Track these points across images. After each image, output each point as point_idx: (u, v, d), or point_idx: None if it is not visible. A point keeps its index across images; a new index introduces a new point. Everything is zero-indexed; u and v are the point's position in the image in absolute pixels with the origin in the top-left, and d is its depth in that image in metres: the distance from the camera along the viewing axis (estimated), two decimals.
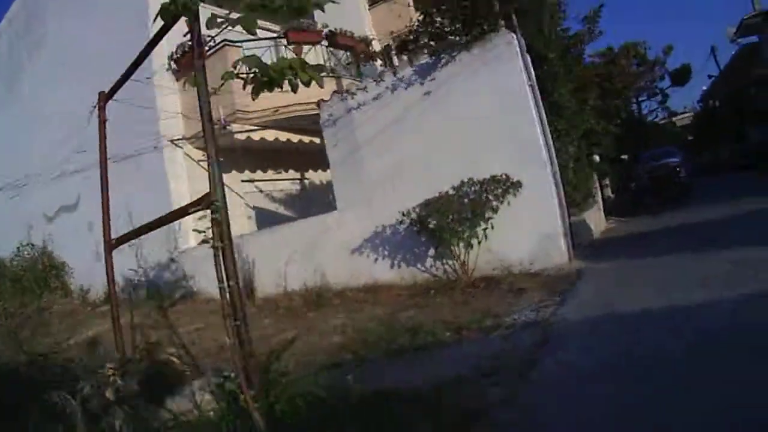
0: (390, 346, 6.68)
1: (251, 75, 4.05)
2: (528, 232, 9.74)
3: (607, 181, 20.89)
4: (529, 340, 5.71)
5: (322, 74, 3.95)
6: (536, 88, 10.01)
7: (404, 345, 6.62)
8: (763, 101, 45.72)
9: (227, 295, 3.93)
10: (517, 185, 9.63)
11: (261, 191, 16.45)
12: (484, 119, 10.00)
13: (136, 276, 12.27)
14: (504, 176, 9.64)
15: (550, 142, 10.12)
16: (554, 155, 10.16)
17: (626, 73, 18.23)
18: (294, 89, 4.10)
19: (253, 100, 4.25)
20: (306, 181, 17.79)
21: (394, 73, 10.77)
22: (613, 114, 17.17)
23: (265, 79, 3.99)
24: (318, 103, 11.75)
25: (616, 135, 19.42)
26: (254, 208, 16.13)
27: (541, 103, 10.11)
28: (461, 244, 9.56)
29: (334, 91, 11.67)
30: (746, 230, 9.64)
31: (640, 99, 57.92)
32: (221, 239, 3.94)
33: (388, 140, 10.88)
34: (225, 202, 4.06)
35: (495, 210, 9.61)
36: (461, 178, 9.82)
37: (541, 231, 9.72)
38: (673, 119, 76.08)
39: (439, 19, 10.86)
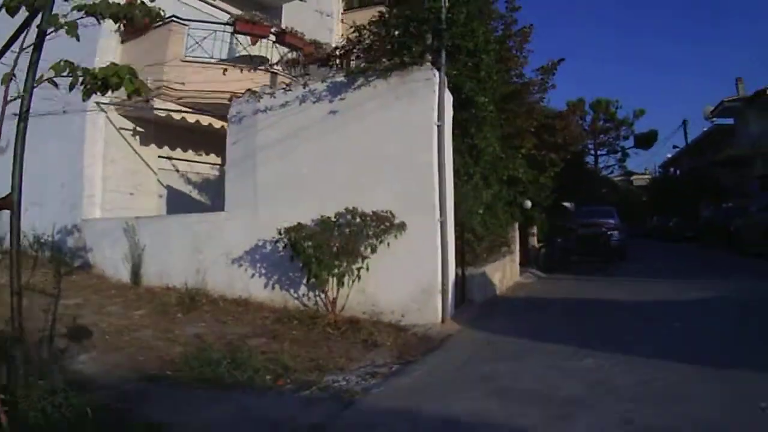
0: (203, 374, 6.27)
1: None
2: (404, 282, 9.22)
3: (534, 230, 20.41)
4: (317, 418, 5.09)
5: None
6: (446, 130, 9.50)
7: (217, 377, 6.20)
8: (726, 180, 46.38)
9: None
10: (401, 227, 9.10)
11: (177, 170, 15.72)
12: (384, 151, 9.51)
13: (43, 236, 11.98)
14: (389, 214, 9.07)
15: (449, 188, 9.62)
16: (449, 204, 9.65)
17: (571, 129, 17.64)
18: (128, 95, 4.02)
19: (84, 101, 4.25)
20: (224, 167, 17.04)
21: (304, 85, 10.16)
22: (547, 166, 16.64)
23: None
24: (230, 98, 11.09)
25: (552, 184, 19.15)
26: (167, 187, 15.40)
27: (448, 146, 9.65)
28: (333, 280, 8.94)
29: (248, 90, 11.00)
30: (670, 331, 8.35)
31: (599, 153, 58.87)
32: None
33: (287, 151, 10.30)
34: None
35: (373, 249, 9.05)
36: (346, 206, 9.22)
37: (418, 283, 9.19)
38: (631, 178, 77.24)
39: (368, 40, 10.28)
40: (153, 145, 14.83)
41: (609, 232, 19.22)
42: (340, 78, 10.04)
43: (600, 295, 12.52)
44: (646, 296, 11.85)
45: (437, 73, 9.43)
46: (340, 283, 8.88)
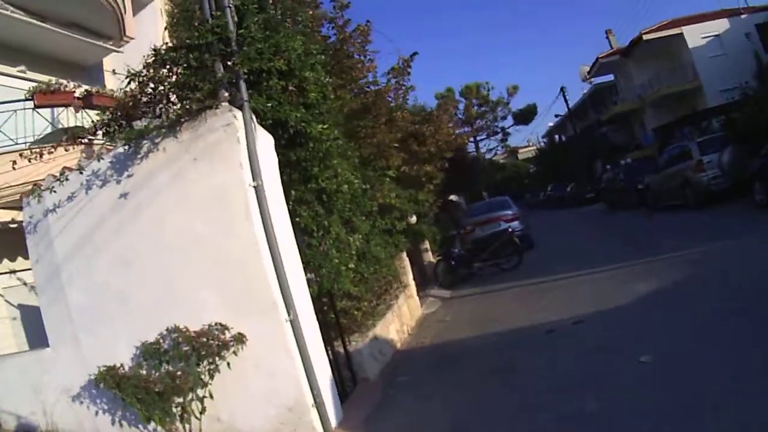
0: None
1: None
2: (264, 403, 6.60)
3: (427, 245, 18.14)
4: None
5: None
6: (269, 188, 6.90)
7: None
8: (615, 138, 45.97)
9: None
10: (239, 340, 6.46)
11: (26, 284, 12.64)
12: (195, 238, 6.83)
13: None
14: (218, 327, 6.45)
15: (293, 267, 7.05)
16: (299, 288, 7.08)
17: (443, 133, 15.32)
18: None
19: None
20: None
21: (79, 168, 7.38)
22: (423, 181, 14.33)
23: None
24: (22, 195, 8.14)
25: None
26: (19, 306, 12.50)
27: (277, 210, 7.05)
28: (168, 419, 6.40)
29: (33, 184, 8.02)
30: (642, 377, 5.81)
31: (479, 138, 58.11)
32: None
33: (90, 259, 7.45)
34: None
35: (211, 374, 6.42)
36: (169, 323, 6.60)
37: (281, 401, 6.58)
38: (517, 154, 77.31)
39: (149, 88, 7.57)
40: None
41: (509, 226, 17.03)
42: (120, 148, 7.32)
43: (520, 316, 10.28)
44: (579, 305, 9.55)
45: (239, 115, 6.87)
46: (183, 419, 6.41)
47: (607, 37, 44.65)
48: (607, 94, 47.49)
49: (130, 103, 7.52)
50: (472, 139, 57.08)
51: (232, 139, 6.77)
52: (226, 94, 7.06)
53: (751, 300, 7.21)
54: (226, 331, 6.47)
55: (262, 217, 6.65)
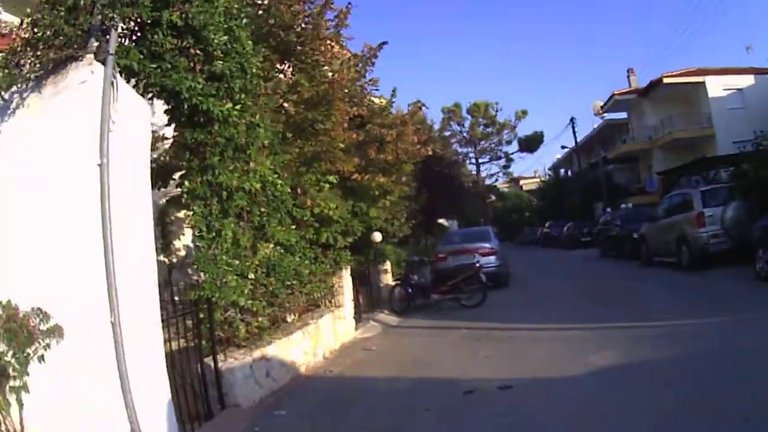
0: None
1: None
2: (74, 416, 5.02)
3: (387, 266, 16.45)
4: None
5: None
6: (110, 170, 5.20)
7: None
8: (620, 178, 44.25)
9: None
10: (53, 333, 4.87)
11: None
12: (33, 214, 5.22)
13: None
14: (40, 313, 4.93)
15: (124, 267, 5.35)
16: (143, 289, 5.43)
17: (406, 141, 13.27)
18: None
19: None
20: None
21: None
22: (376, 194, 12.60)
23: None
24: None
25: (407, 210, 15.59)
26: None
27: (121, 199, 5.37)
28: None
29: None
30: None
31: (481, 161, 56.40)
32: None
33: None
34: None
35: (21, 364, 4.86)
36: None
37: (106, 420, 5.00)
38: (520, 183, 75.13)
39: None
40: None
41: (479, 262, 15.30)
42: None
43: (452, 364, 8.77)
44: (520, 365, 8.01)
45: (98, 70, 5.24)
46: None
47: (628, 76, 43.01)
48: (617, 132, 45.89)
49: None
50: (473, 161, 55.74)
51: (84, 100, 5.16)
52: (96, 44, 5.45)
53: (728, 408, 5.40)
54: (45, 321, 4.89)
55: (101, 203, 5.03)
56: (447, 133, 48.06)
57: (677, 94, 35.24)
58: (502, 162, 57.81)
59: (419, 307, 14.54)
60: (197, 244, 7.07)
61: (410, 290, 14.47)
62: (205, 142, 6.75)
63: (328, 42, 11.23)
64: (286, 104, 10.78)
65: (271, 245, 8.12)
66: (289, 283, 8.45)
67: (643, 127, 39.24)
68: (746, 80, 33.62)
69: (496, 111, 54.39)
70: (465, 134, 54.36)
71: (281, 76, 10.90)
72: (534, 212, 61.57)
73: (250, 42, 7.35)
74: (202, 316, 6.89)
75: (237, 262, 7.20)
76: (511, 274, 19.40)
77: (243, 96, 7.16)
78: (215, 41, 6.41)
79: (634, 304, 12.07)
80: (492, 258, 17.05)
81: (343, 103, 10.71)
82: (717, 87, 33.49)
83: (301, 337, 9.07)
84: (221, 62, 6.57)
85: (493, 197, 64.28)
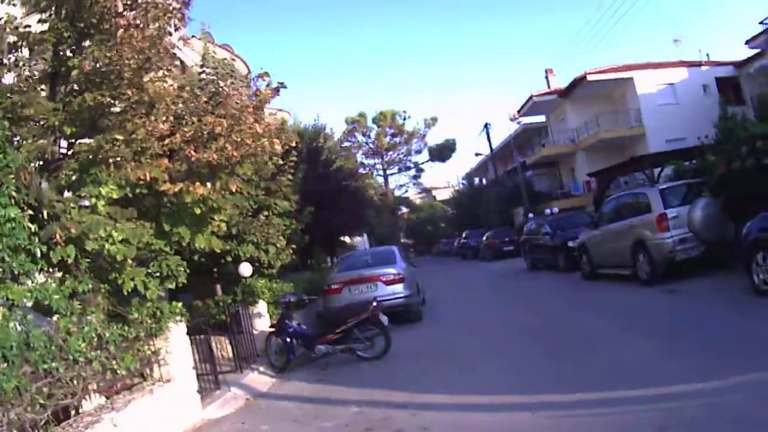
0: None
1: None
2: None
3: (263, 308, 12.04)
4: None
5: None
6: None
7: None
8: (540, 183, 41.54)
9: None
10: None
11: None
12: None
13: None
14: None
15: None
16: None
17: (248, 129, 7.98)
18: None
19: None
20: None
21: None
22: (197, 217, 7.86)
23: None
24: None
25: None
26: None
27: None
28: None
29: None
30: None
31: (389, 173, 53.57)
32: None
33: None
34: None
35: None
36: None
37: None
38: (433, 194, 72.49)
39: None
40: None
41: (378, 299, 11.00)
42: None
43: None
44: None
45: None
46: None
47: (546, 77, 40.40)
48: (535, 136, 43.51)
49: None
50: (381, 172, 52.70)
51: None
52: None
53: None
54: None
55: None
56: (347, 143, 44.73)
57: (602, 92, 33.41)
58: (413, 172, 54.97)
59: (305, 360, 10.47)
60: None
61: (289, 340, 10.32)
62: None
63: None
64: None
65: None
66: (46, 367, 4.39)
67: (563, 130, 37.11)
68: (678, 74, 31.85)
69: (404, 119, 51.83)
70: (371, 145, 51.11)
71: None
72: (450, 222, 58.98)
73: None
74: None
75: None
76: (425, 302, 15.71)
77: None
78: None
79: (595, 349, 8.13)
80: (399, 287, 13.03)
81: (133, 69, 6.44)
82: (646, 83, 31.52)
83: None
84: None
85: (405, 209, 61.66)
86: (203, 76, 11.35)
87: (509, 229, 36.00)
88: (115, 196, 6.41)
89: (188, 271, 7.93)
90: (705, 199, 12.24)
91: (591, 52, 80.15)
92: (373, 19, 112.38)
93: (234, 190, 6.97)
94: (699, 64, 32.12)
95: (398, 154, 52.32)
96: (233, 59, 12.50)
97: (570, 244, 18.28)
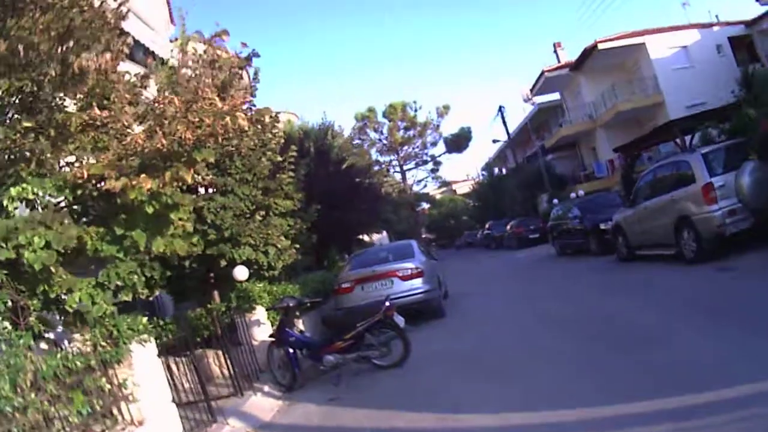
0: None
1: None
2: None
3: (262, 315, 10.69)
4: None
5: None
6: None
7: None
8: (561, 167, 39.95)
9: None
10: None
11: None
12: None
13: None
14: None
15: None
16: None
17: (207, 110, 6.34)
18: None
19: None
20: None
21: None
22: (152, 216, 6.14)
23: None
24: None
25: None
26: None
27: None
28: None
29: None
30: None
31: (405, 168, 52.05)
32: None
33: None
34: None
35: None
36: None
37: None
38: (452, 187, 71.11)
39: None
40: None
41: (392, 297, 9.66)
42: None
43: None
44: None
45: None
46: None
47: (555, 51, 38.88)
48: (552, 116, 41.79)
49: None
50: (398, 169, 51.32)
51: None
52: None
53: None
54: None
55: None
56: (358, 141, 43.56)
57: (615, 61, 31.72)
58: (430, 166, 53.51)
59: (315, 373, 9.22)
60: None
61: (291, 351, 9.04)
62: None
63: None
64: None
65: None
66: None
67: (580, 106, 35.43)
68: (690, 36, 30.34)
69: (416, 111, 50.29)
70: (384, 141, 49.81)
71: None
72: (472, 215, 58.00)
73: None
74: None
75: None
76: (448, 295, 14.61)
77: None
78: None
79: (662, 344, 6.67)
80: (417, 282, 11.81)
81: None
82: (659, 47, 29.89)
83: None
84: None
85: (425, 205, 60.49)
86: (184, 70, 10.35)
87: (534, 217, 34.84)
88: (53, 200, 5.26)
89: (170, 277, 6.82)
90: (753, 162, 10.85)
91: (598, 23, 79.06)
92: (375, 13, 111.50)
93: (189, 181, 5.69)
94: (710, 26, 30.78)
95: (413, 149, 50.90)
96: (220, 51, 11.33)
97: (602, 226, 17.15)
